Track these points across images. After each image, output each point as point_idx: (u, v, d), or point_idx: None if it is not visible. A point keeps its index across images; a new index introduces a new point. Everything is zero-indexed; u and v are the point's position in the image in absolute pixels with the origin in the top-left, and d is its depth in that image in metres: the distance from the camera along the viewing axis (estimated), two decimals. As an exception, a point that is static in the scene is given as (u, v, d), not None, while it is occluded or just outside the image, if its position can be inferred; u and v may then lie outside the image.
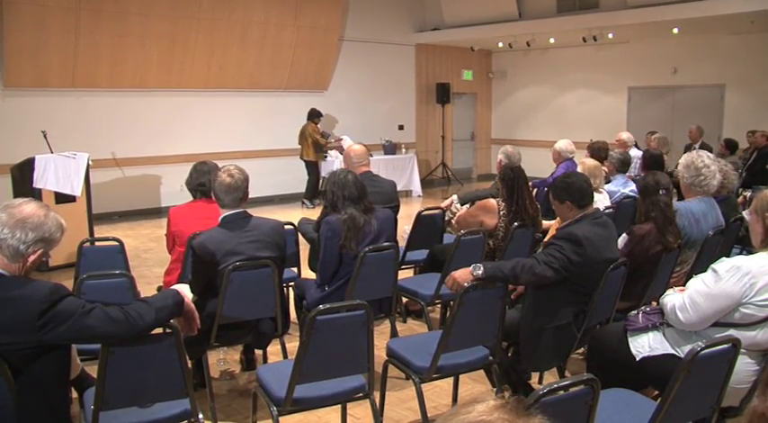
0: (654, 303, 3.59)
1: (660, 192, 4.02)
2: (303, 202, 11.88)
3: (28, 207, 2.42)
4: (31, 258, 2.41)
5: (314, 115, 11.70)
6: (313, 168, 11.78)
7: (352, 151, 5.50)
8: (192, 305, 2.76)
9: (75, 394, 3.37)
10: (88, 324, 2.34)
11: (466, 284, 3.27)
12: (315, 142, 11.56)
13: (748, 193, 6.89)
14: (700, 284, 2.94)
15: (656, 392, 3.21)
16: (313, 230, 4.71)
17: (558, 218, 4.81)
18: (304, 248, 5.19)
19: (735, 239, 4.93)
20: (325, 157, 11.86)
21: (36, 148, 7.54)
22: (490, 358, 3.50)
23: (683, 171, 4.50)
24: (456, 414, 1.20)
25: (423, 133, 14.97)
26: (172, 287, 2.83)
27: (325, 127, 12.25)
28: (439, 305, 5.15)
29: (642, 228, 4.03)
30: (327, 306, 2.92)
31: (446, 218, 5.82)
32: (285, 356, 4.20)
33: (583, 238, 3.41)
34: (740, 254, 4.57)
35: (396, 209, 5.30)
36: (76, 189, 7.23)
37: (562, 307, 3.52)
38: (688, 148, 10.07)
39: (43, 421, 2.40)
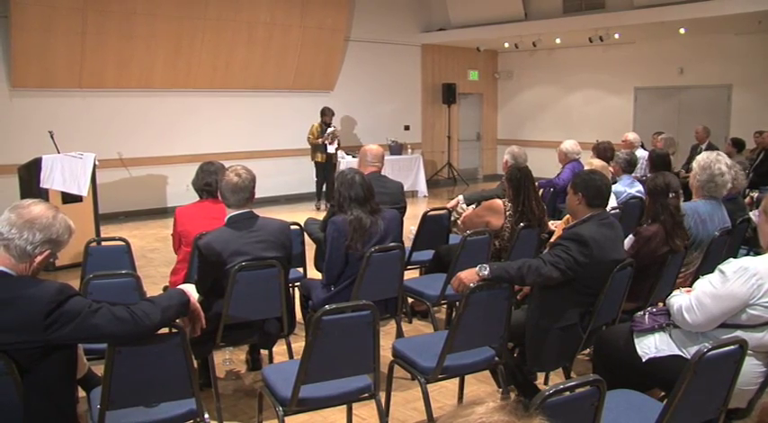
0: (660, 304, 3.58)
1: (670, 194, 4.01)
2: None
3: (36, 208, 2.43)
4: (38, 259, 2.41)
5: (320, 114, 11.44)
6: (317, 170, 11.55)
7: (370, 151, 5.52)
8: (198, 305, 2.76)
9: (81, 393, 3.39)
10: (95, 323, 2.34)
11: (472, 285, 3.26)
12: (313, 142, 11.36)
13: (755, 194, 6.86)
14: (707, 285, 2.93)
15: (663, 394, 3.20)
16: (319, 230, 4.72)
17: (564, 218, 4.82)
18: (310, 249, 5.20)
19: (742, 240, 4.91)
20: (328, 153, 11.34)
21: (43, 149, 7.57)
22: (496, 359, 3.50)
23: (697, 170, 4.47)
24: (455, 416, 1.20)
25: (429, 133, 14.96)
26: (177, 287, 2.83)
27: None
28: (445, 306, 5.15)
29: (649, 229, 4.02)
30: (333, 306, 2.92)
31: (452, 218, 5.82)
32: (291, 357, 4.21)
33: (589, 238, 3.41)
34: (747, 255, 4.55)
35: (402, 210, 5.30)
36: (83, 189, 7.25)
37: (568, 308, 3.51)
38: (694, 149, 10.05)
39: (51, 420, 2.41)
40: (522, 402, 1.22)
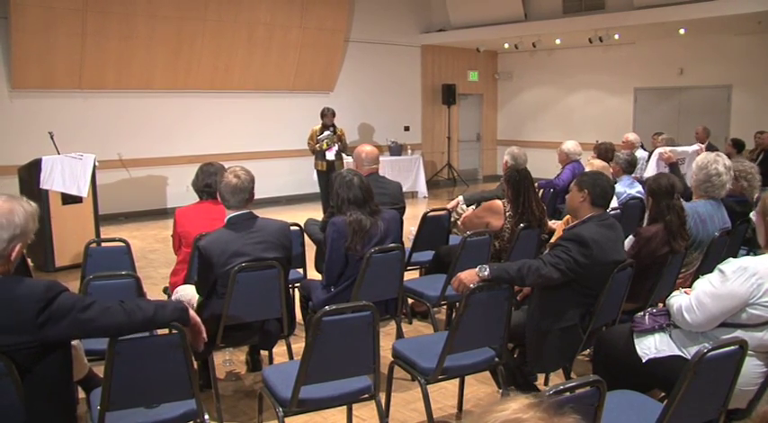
0: (660, 305, 3.58)
1: (675, 195, 4.01)
2: None
3: None
4: (13, 255, 2.38)
5: (320, 116, 10.00)
6: (318, 179, 10.10)
7: (365, 152, 5.48)
8: (198, 319, 2.75)
9: (82, 394, 3.39)
10: (88, 318, 2.34)
11: (472, 286, 3.26)
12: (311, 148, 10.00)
13: (755, 195, 6.85)
14: (706, 285, 2.93)
15: (663, 394, 3.20)
16: (319, 231, 4.72)
17: (564, 219, 4.82)
18: (310, 249, 5.20)
19: (742, 241, 4.91)
20: (327, 160, 9.82)
21: (43, 150, 7.57)
22: (496, 359, 3.50)
23: (695, 170, 4.48)
24: (490, 412, 1.21)
25: (428, 134, 14.96)
26: (177, 296, 2.83)
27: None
28: (445, 306, 5.15)
29: (649, 229, 4.02)
30: (333, 307, 2.92)
31: (452, 219, 5.82)
32: (291, 357, 4.21)
33: (589, 239, 3.41)
34: (747, 255, 4.55)
35: (401, 210, 5.29)
36: (83, 190, 7.24)
37: (568, 308, 3.51)
38: (694, 149, 10.03)
39: (51, 421, 2.41)
40: (556, 400, 1.24)
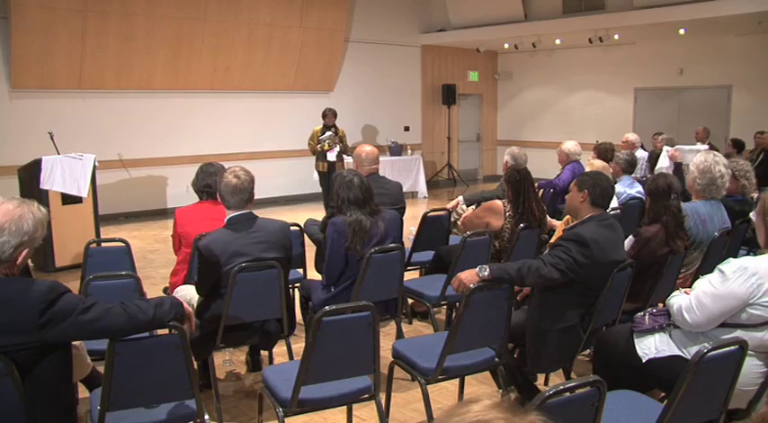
0: (660, 305, 3.58)
1: (672, 196, 4.01)
2: None
3: (1, 211, 2.35)
4: (19, 260, 2.39)
5: (322, 116, 10.14)
6: (320, 180, 10.24)
7: (364, 152, 5.47)
8: (189, 309, 2.76)
9: (84, 394, 3.39)
10: (89, 319, 2.35)
11: (472, 286, 3.26)
12: (312, 149, 10.12)
13: (755, 195, 6.85)
14: (706, 285, 2.93)
15: (663, 394, 3.20)
16: (319, 232, 4.72)
17: (564, 219, 4.81)
18: (310, 249, 5.20)
19: (742, 241, 4.91)
20: (328, 161, 9.94)
21: (43, 150, 7.57)
22: (496, 360, 3.50)
23: (696, 173, 4.46)
24: (452, 415, 1.20)
25: (429, 134, 14.96)
26: (177, 296, 2.83)
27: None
28: (445, 306, 5.15)
29: (649, 229, 4.02)
30: (333, 307, 2.92)
31: (452, 219, 5.82)
32: (291, 358, 4.20)
33: (590, 239, 3.41)
34: (747, 255, 4.55)
35: (402, 211, 5.29)
36: (83, 190, 7.24)
37: (568, 308, 3.51)
38: (694, 150, 10.04)
39: (51, 421, 2.41)
40: (517, 399, 1.24)
